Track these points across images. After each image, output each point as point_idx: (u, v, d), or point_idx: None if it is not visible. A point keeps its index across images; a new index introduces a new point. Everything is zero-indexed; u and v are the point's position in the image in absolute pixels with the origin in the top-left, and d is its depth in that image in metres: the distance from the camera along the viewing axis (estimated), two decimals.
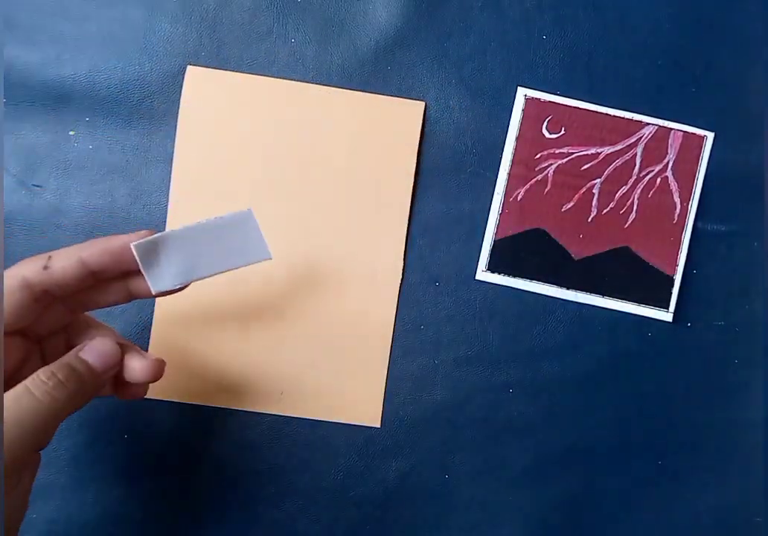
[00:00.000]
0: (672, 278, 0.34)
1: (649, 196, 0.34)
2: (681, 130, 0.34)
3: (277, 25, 0.34)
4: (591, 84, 0.34)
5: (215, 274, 0.28)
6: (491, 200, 0.34)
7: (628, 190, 0.34)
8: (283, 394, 0.33)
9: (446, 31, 0.34)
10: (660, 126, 0.34)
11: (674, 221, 0.34)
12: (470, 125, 0.34)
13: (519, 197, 0.34)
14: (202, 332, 0.33)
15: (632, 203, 0.34)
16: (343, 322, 0.33)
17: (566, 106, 0.34)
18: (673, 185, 0.34)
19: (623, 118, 0.34)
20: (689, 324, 0.34)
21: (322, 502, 0.33)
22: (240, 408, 0.33)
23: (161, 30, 0.33)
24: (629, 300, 0.34)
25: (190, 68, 0.33)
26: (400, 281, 0.33)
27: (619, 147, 0.34)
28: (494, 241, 0.34)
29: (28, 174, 0.33)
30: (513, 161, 0.34)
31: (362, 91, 0.34)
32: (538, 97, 0.33)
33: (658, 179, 0.34)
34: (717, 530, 0.34)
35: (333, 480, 0.33)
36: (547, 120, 0.34)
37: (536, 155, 0.34)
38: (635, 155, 0.34)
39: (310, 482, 0.33)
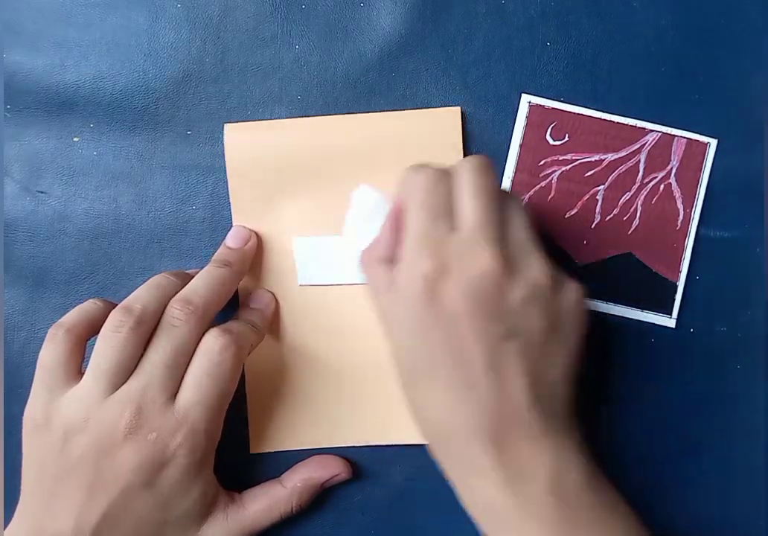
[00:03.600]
0: (675, 284, 0.34)
1: (653, 203, 0.34)
2: (684, 137, 0.34)
3: (282, 32, 0.34)
4: (595, 90, 0.34)
5: (342, 284, 0.33)
6: None
7: (631, 197, 0.34)
8: (386, 424, 0.33)
9: (450, 38, 0.34)
10: (663, 133, 0.34)
11: (677, 228, 0.34)
12: (474, 131, 0.34)
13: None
14: (294, 377, 0.33)
15: (635, 209, 0.34)
16: None
17: (570, 112, 0.34)
18: (677, 192, 0.34)
19: (627, 125, 0.34)
20: (692, 330, 0.34)
21: (326, 507, 0.33)
22: (342, 445, 0.33)
23: (165, 36, 0.33)
24: (632, 306, 0.34)
25: (227, 126, 0.33)
26: None
27: (622, 154, 0.34)
28: None
29: (32, 180, 0.33)
30: (517, 168, 0.34)
31: (394, 109, 0.34)
32: (541, 103, 0.34)
33: (662, 186, 0.34)
34: (719, 535, 0.34)
35: (338, 485, 0.33)
36: (551, 127, 0.34)
37: (540, 161, 0.34)
38: (639, 161, 0.34)
39: None
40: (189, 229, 0.33)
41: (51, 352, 0.28)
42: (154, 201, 0.33)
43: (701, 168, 0.34)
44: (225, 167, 0.33)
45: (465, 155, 0.34)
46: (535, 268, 0.26)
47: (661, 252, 0.34)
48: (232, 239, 0.32)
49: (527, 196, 0.34)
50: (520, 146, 0.34)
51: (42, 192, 0.33)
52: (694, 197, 0.34)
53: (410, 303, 0.26)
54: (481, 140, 0.34)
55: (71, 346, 0.28)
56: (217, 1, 0.34)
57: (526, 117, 0.34)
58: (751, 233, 0.34)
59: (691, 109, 0.34)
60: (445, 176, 0.27)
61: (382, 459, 0.34)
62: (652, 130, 0.34)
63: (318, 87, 0.34)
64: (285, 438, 0.33)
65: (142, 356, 0.28)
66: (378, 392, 0.33)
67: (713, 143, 0.34)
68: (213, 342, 0.28)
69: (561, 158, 0.34)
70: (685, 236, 0.34)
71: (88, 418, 0.27)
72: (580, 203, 0.34)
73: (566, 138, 0.34)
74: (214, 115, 0.34)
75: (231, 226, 0.33)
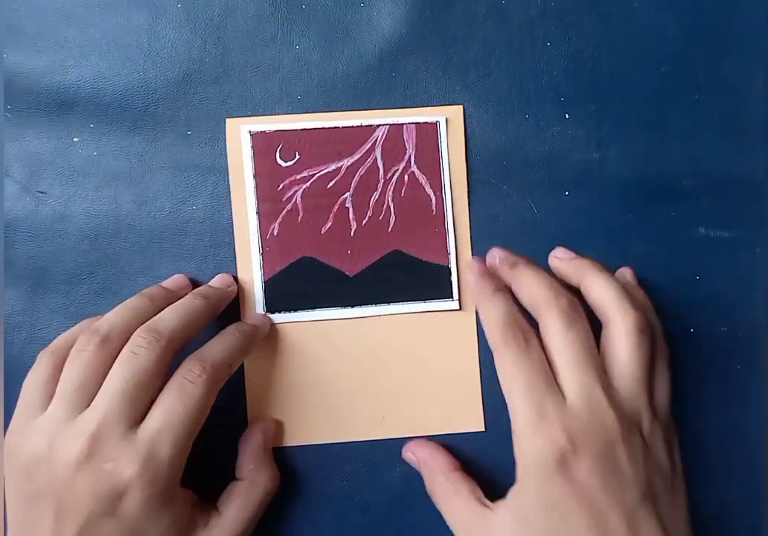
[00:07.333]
0: (447, 267, 0.34)
1: (402, 195, 0.34)
2: (413, 123, 0.34)
3: (282, 32, 0.34)
4: (595, 91, 0.34)
5: None
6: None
7: (380, 195, 0.33)
8: (385, 417, 0.33)
9: (450, 38, 0.34)
10: (391, 125, 0.34)
11: (433, 213, 0.34)
12: (474, 132, 0.34)
13: (275, 232, 0.33)
14: (294, 372, 0.33)
15: (388, 206, 0.34)
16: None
17: (294, 130, 0.33)
18: (422, 179, 0.34)
19: (353, 126, 0.33)
20: (692, 330, 0.34)
21: (326, 507, 0.33)
22: (342, 441, 0.33)
23: (166, 36, 0.33)
24: (416, 300, 0.34)
25: (229, 121, 0.33)
26: None
27: (357, 156, 0.33)
28: (264, 282, 0.33)
29: (32, 181, 0.33)
30: (258, 200, 0.33)
31: (394, 108, 0.34)
32: (263, 129, 0.33)
33: (405, 177, 0.34)
34: (719, 534, 0.34)
35: (337, 486, 0.33)
36: (278, 150, 0.33)
37: (278, 186, 0.33)
38: (375, 159, 0.33)
39: (314, 487, 0.33)
40: (189, 229, 0.33)
41: (32, 375, 0.28)
42: (154, 201, 0.33)
43: (438, 149, 0.34)
44: (225, 167, 0.33)
45: (467, 154, 0.34)
46: (646, 417, 0.28)
47: (425, 241, 0.34)
48: (215, 281, 0.33)
49: (277, 223, 0.33)
50: (254, 177, 0.33)
51: (42, 192, 0.33)
52: (440, 179, 0.34)
53: (542, 484, 0.26)
54: (482, 141, 0.34)
55: (52, 369, 0.28)
56: (218, 2, 0.34)
57: (252, 147, 0.33)
58: (752, 232, 0.35)
59: (691, 108, 0.34)
60: (532, 343, 0.28)
61: (382, 459, 0.34)
62: (379, 125, 0.34)
63: (318, 87, 0.34)
64: (285, 435, 0.33)
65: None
66: (378, 386, 0.33)
67: (442, 120, 0.34)
68: (185, 371, 0.28)
69: (298, 177, 0.33)
70: (443, 219, 0.34)
71: (50, 446, 0.26)
72: (331, 215, 0.33)
73: (297, 156, 0.33)
74: (214, 116, 0.33)
75: (231, 226, 0.33)
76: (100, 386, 0.27)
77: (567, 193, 0.34)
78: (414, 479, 0.33)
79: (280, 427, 0.33)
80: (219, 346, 0.30)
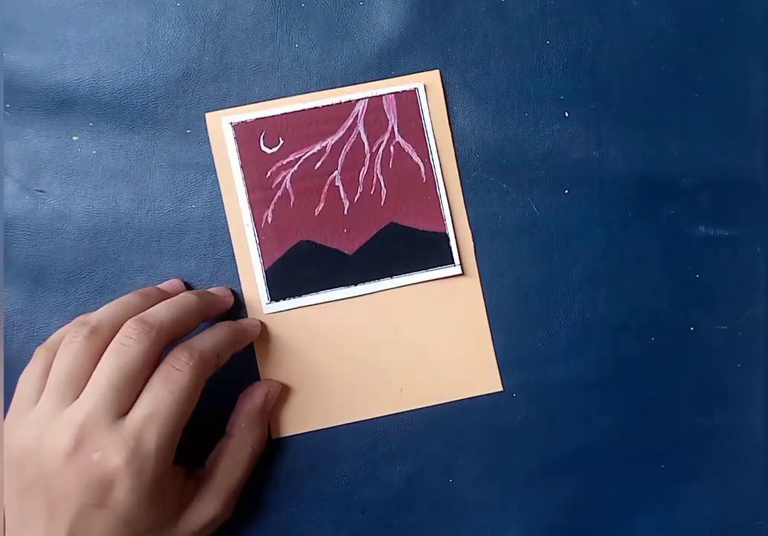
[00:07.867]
0: (445, 234, 0.34)
1: (390, 167, 0.34)
2: (392, 93, 0.34)
3: (281, 30, 0.34)
4: (594, 90, 0.34)
5: None
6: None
7: (368, 170, 0.33)
8: (403, 390, 0.34)
9: (450, 37, 0.34)
10: (370, 97, 0.33)
11: (424, 181, 0.34)
12: (474, 130, 0.34)
13: (269, 220, 0.33)
14: (307, 356, 0.34)
15: (378, 180, 0.33)
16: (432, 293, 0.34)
17: (274, 116, 0.33)
18: (408, 148, 0.34)
19: (333, 104, 0.33)
20: (692, 329, 0.34)
21: (326, 507, 0.33)
22: (359, 419, 0.33)
23: (165, 35, 0.33)
24: (418, 270, 0.34)
25: (209, 115, 0.33)
26: None
27: (341, 133, 0.33)
28: (264, 271, 0.33)
29: (31, 179, 0.33)
30: (248, 189, 0.33)
31: (374, 80, 0.34)
32: (244, 119, 0.33)
33: (391, 147, 0.34)
34: (720, 534, 0.34)
35: (337, 485, 0.33)
36: (261, 137, 0.33)
37: (266, 173, 0.33)
38: (359, 133, 0.33)
39: (314, 486, 0.33)
40: (188, 228, 0.33)
41: (27, 370, 0.28)
42: (154, 200, 0.33)
43: (420, 116, 0.34)
44: None
45: (449, 118, 0.34)
46: None
47: (419, 210, 0.34)
48: (213, 289, 0.33)
49: (270, 210, 0.33)
50: (241, 167, 0.33)
51: (41, 191, 0.33)
52: (426, 146, 0.34)
53: None
54: (481, 139, 0.34)
55: (47, 364, 0.28)
56: (217, 0, 0.34)
57: (235, 138, 0.33)
58: (752, 231, 0.35)
59: (690, 107, 0.34)
60: None
61: (382, 459, 0.34)
62: (359, 100, 0.34)
63: (317, 86, 0.34)
64: (305, 420, 0.33)
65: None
66: (392, 359, 0.34)
67: (420, 87, 0.34)
68: (172, 359, 0.28)
69: (285, 162, 0.33)
70: (434, 185, 0.34)
71: (39, 439, 0.26)
72: (322, 195, 0.33)
73: (281, 141, 0.33)
74: None
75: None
76: (89, 378, 0.27)
77: (567, 191, 0.34)
78: (414, 479, 0.33)
79: (286, 390, 0.33)
80: (208, 336, 0.30)
